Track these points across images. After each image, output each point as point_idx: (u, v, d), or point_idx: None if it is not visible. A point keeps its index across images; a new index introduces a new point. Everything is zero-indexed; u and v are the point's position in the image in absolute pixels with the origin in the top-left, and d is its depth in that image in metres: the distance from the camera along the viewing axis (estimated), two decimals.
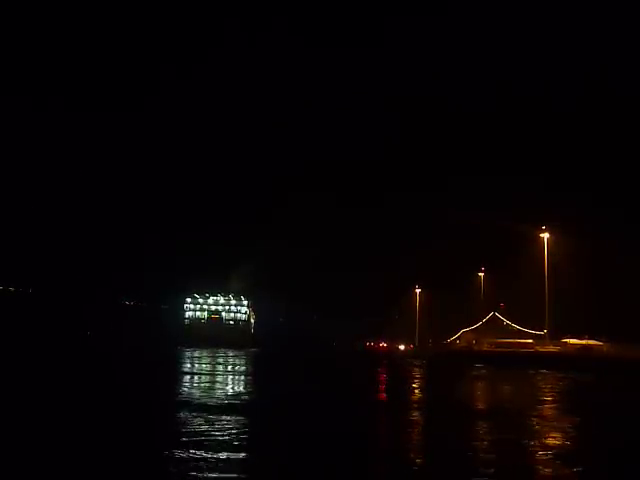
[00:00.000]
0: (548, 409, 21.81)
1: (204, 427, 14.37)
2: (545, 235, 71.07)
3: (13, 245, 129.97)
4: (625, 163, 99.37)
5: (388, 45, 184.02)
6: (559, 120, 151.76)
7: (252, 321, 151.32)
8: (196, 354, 67.61)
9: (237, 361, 56.27)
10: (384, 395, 26.98)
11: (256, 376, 40.70)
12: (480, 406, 23.35)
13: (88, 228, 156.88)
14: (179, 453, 11.39)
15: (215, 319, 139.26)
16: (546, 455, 12.61)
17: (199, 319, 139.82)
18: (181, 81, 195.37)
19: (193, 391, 24.65)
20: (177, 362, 49.47)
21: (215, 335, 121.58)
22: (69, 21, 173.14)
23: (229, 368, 45.12)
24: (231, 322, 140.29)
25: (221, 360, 56.58)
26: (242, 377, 37.27)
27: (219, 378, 34.59)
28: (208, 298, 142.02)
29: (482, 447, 13.45)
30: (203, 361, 53.29)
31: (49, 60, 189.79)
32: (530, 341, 76.32)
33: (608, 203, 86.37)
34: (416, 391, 31.45)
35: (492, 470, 11.05)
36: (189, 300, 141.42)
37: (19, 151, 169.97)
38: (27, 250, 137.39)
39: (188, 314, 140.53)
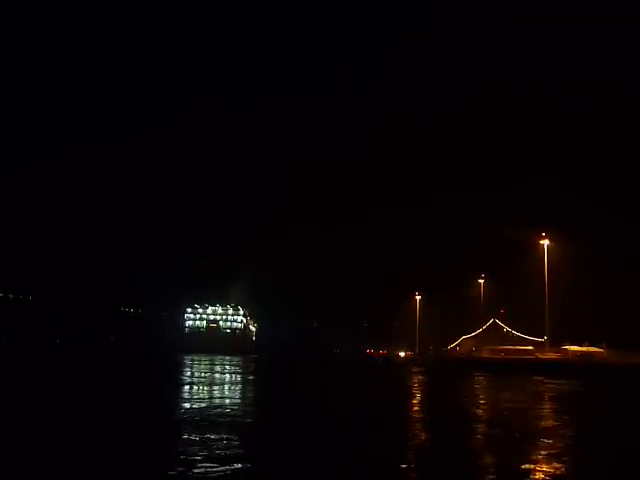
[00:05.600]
0: (549, 419, 21.62)
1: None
2: (545, 242, 70.96)
3: (14, 253, 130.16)
4: (625, 167, 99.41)
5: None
6: (557, 123, 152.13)
7: (252, 329, 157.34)
8: (196, 360, 68.14)
9: (235, 369, 56.18)
10: (385, 406, 26.78)
11: (253, 383, 40.53)
12: (480, 416, 23.15)
13: (89, 237, 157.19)
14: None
15: (213, 328, 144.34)
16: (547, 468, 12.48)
17: (198, 328, 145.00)
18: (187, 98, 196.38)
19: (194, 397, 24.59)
20: (180, 367, 50.07)
21: (213, 343, 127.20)
22: (76, 32, 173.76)
23: (231, 376, 45.03)
24: (228, 330, 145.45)
25: (219, 368, 56.52)
26: (241, 383, 37.17)
27: (226, 386, 34.47)
28: (207, 308, 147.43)
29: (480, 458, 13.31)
30: (203, 367, 53.23)
31: (54, 71, 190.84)
32: (530, 348, 75.99)
33: (607, 208, 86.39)
34: (415, 399, 31.29)
35: None
36: (189, 310, 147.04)
37: (21, 159, 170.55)
38: (27, 258, 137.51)
39: (188, 323, 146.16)
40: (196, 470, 10.37)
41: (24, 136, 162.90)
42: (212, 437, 13.71)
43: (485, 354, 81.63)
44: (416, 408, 25.58)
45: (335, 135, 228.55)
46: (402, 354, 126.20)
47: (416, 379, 49.84)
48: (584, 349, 65.04)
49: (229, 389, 32.29)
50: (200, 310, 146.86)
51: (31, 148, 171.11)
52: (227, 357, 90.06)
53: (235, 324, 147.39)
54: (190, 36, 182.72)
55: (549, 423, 19.71)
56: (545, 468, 11.66)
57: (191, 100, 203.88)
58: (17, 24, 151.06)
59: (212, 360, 74.30)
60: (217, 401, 23.36)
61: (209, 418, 17.30)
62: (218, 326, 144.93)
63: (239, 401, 25.00)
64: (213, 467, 10.62)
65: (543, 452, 13.48)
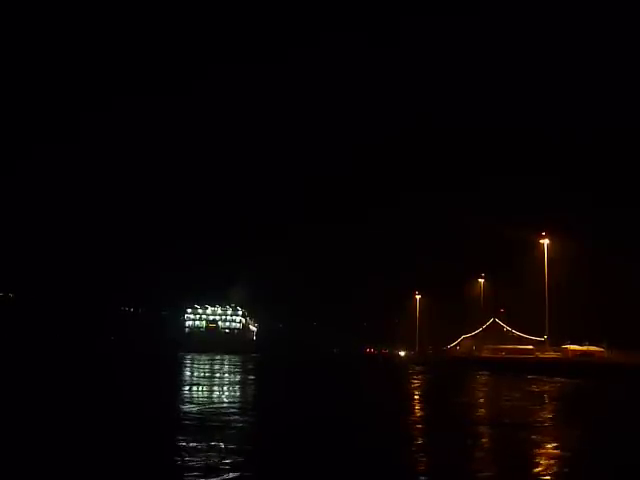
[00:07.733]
0: (549, 419, 21.52)
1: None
2: (545, 241, 70.69)
3: (13, 253, 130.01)
4: (625, 165, 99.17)
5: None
6: (557, 122, 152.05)
7: (253, 329, 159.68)
8: (196, 359, 68.29)
9: (233, 368, 56.22)
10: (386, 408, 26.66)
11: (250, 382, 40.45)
12: (479, 416, 23.05)
13: (89, 237, 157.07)
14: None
15: (212, 328, 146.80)
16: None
17: (198, 328, 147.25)
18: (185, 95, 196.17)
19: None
20: (180, 367, 50.26)
21: (213, 342, 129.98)
22: (77, 18, 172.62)
23: (230, 375, 45.04)
24: (227, 330, 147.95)
25: (218, 367, 56.58)
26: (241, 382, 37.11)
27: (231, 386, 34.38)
28: (207, 309, 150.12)
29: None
30: (203, 367, 53.22)
31: (58, 63, 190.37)
32: (530, 347, 75.87)
33: (608, 206, 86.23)
34: (416, 396, 31.22)
35: None
36: (189, 310, 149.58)
37: (19, 156, 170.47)
38: (28, 258, 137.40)
39: (188, 323, 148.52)
40: None
41: (19, 133, 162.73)
42: (209, 442, 13.46)
43: (485, 353, 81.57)
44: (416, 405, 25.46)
45: (334, 136, 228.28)
46: (402, 353, 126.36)
47: (418, 378, 49.74)
48: (584, 348, 64.76)
49: (228, 389, 32.16)
50: (200, 310, 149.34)
51: (28, 146, 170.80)
52: (226, 356, 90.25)
53: (234, 324, 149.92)
54: (189, 29, 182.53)
55: (544, 423, 19.61)
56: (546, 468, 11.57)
57: (192, 100, 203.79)
58: None
59: (212, 360, 74.42)
60: (215, 402, 23.25)
61: (207, 420, 17.15)
62: (217, 326, 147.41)
63: (238, 402, 24.85)
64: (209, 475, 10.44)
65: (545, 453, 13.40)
